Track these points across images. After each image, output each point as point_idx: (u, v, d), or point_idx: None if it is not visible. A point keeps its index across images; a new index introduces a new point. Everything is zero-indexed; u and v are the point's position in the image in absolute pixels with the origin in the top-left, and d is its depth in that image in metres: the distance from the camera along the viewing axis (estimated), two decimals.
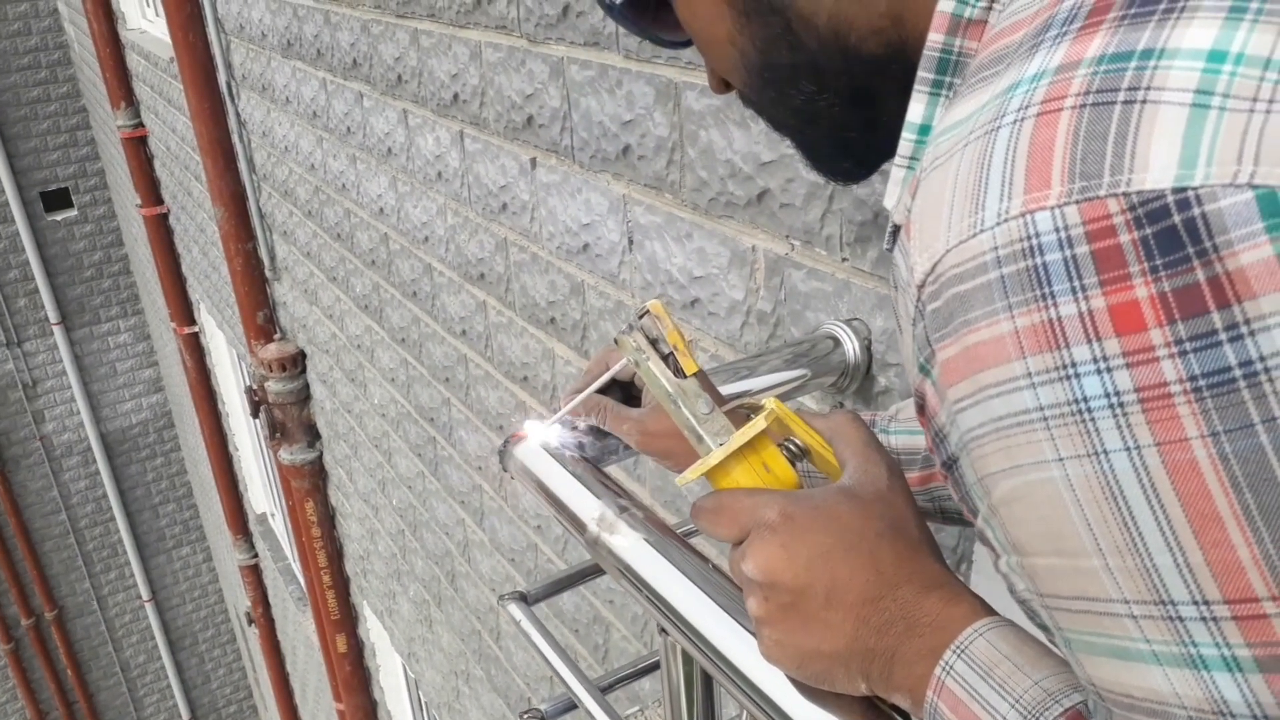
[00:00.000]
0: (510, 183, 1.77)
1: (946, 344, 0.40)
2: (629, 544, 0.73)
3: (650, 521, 0.74)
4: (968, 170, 0.39)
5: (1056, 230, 0.35)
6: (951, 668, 0.49)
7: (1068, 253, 0.35)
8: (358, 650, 4.30)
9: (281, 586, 5.96)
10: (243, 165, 3.61)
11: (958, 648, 0.49)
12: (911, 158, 0.49)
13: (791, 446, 0.60)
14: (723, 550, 1.48)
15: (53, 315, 7.87)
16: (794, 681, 0.57)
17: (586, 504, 0.77)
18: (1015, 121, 0.38)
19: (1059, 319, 0.35)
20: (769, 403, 0.59)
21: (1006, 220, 0.37)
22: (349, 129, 2.52)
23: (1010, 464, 0.39)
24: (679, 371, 0.60)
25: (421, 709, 4.12)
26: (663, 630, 0.74)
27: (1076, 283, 0.35)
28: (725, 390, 0.95)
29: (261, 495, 6.49)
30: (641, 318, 0.61)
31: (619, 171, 1.43)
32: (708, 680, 0.80)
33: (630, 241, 1.46)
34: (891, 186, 0.50)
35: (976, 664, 0.48)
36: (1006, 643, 0.49)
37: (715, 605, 0.65)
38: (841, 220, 1.05)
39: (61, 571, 8.65)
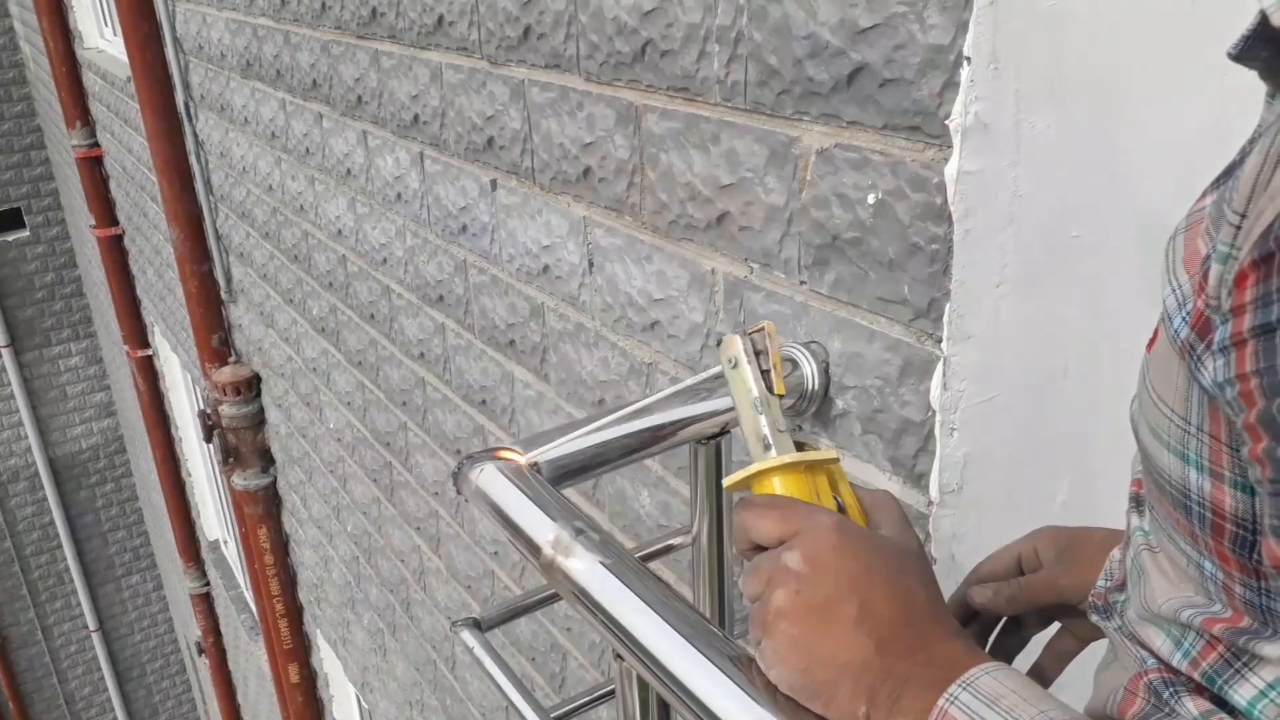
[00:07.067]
0: (470, 204, 1.76)
1: None
2: (584, 568, 0.71)
3: (607, 545, 0.73)
4: None
5: None
6: (956, 699, 0.50)
7: None
8: (310, 681, 4.22)
9: (233, 615, 5.84)
10: (199, 186, 3.56)
11: (964, 682, 0.51)
12: None
13: (836, 498, 0.65)
14: (683, 579, 1.46)
15: (1, 338, 7.71)
16: (773, 701, 0.57)
17: (541, 527, 0.76)
18: None
19: None
20: (835, 451, 0.66)
21: None
22: (308, 150, 2.49)
23: None
24: (770, 387, 0.66)
25: None
26: (618, 656, 0.72)
27: None
28: (689, 410, 0.96)
29: (214, 522, 6.37)
30: (755, 331, 0.67)
31: (579, 194, 1.42)
32: (664, 708, 0.79)
33: (590, 264, 1.45)
34: None
35: (982, 694, 0.50)
36: (1012, 680, 0.51)
37: (672, 630, 0.64)
38: (800, 244, 1.05)
39: (5, 600, 8.42)
